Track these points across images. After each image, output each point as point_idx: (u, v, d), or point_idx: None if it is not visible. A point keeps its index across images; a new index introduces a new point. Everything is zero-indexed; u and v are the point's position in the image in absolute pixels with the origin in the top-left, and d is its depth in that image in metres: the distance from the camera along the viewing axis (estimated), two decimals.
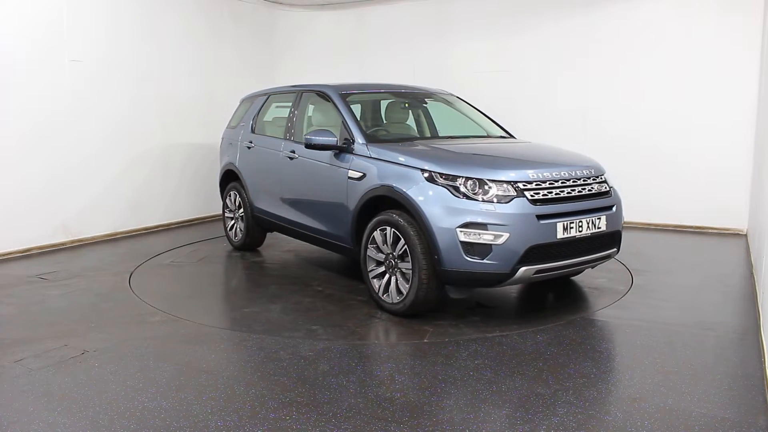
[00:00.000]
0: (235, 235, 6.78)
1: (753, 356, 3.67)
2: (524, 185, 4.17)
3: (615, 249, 4.68)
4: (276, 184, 6.01)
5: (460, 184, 4.17)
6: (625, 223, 7.72)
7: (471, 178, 4.17)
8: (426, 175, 4.29)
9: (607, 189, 4.63)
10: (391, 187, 4.45)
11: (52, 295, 5.04)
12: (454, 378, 3.40)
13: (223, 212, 6.98)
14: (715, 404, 3.08)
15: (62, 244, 6.81)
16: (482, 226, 4.04)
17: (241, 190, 6.54)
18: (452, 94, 6.21)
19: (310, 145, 5.04)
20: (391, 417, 2.96)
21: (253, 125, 6.54)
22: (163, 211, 8.04)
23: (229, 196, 6.80)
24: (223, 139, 7.08)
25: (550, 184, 4.26)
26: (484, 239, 4.04)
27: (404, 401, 3.13)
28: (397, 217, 4.36)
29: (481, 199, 4.10)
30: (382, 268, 4.55)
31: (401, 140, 5.18)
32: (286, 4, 9.69)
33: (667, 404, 3.07)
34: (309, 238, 5.65)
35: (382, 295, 4.54)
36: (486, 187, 4.14)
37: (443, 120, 6.04)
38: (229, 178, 6.81)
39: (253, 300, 5.08)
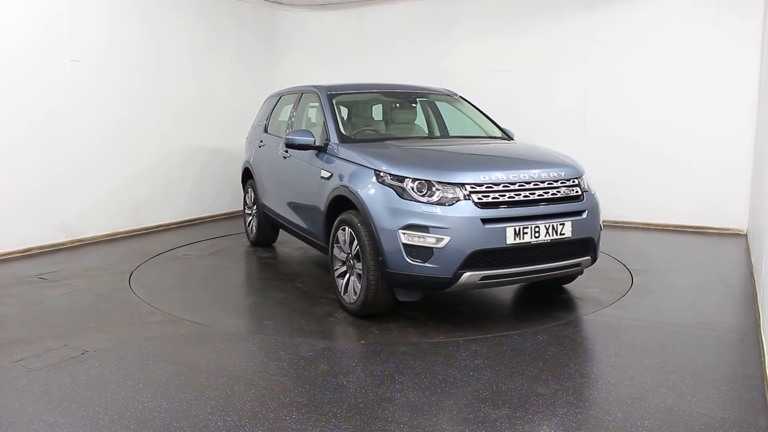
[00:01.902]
0: (251, 231, 6.97)
1: (753, 356, 3.67)
2: (472, 188, 4.04)
3: (588, 257, 4.43)
4: (276, 182, 6.15)
5: (407, 185, 4.11)
6: (625, 222, 7.87)
7: (418, 179, 4.11)
8: (377, 175, 4.27)
9: (578, 193, 4.39)
10: (347, 187, 4.47)
11: (52, 295, 5.04)
12: (454, 378, 3.40)
13: (244, 209, 7.22)
14: (715, 404, 3.08)
15: (62, 244, 6.80)
16: (424, 228, 3.97)
17: (255, 187, 6.74)
18: (454, 94, 6.13)
19: (289, 145, 5.13)
20: (391, 417, 2.96)
21: (266, 125, 6.71)
22: (163, 211, 8.03)
23: (247, 193, 7.04)
24: (246, 138, 7.30)
25: (504, 187, 4.10)
26: (425, 242, 3.97)
27: (404, 401, 3.13)
28: (353, 217, 4.36)
29: (426, 201, 4.02)
30: (344, 268, 4.56)
31: (380, 140, 5.13)
32: (286, 4, 9.69)
33: (667, 404, 3.07)
34: (298, 236, 5.77)
35: (343, 294, 4.55)
36: (433, 189, 4.05)
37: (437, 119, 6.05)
38: (247, 176, 7.04)
39: (230, 294, 5.18)
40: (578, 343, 3.95)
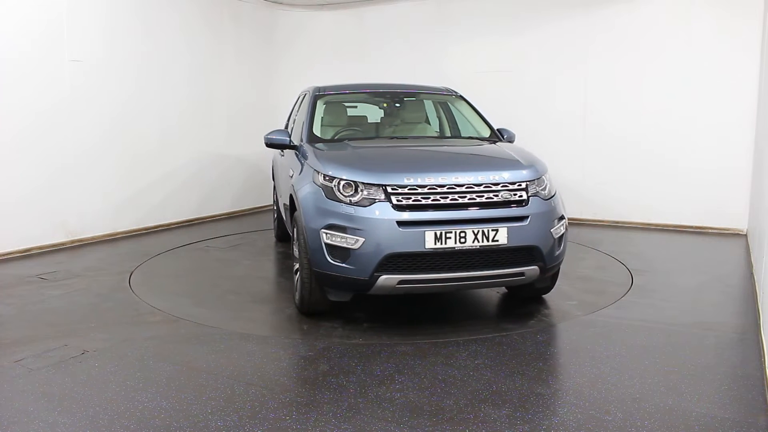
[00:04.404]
0: (275, 228, 7.22)
1: (753, 356, 3.67)
2: (393, 189, 3.96)
3: (534, 267, 4.12)
4: (278, 181, 6.36)
5: (334, 186, 4.12)
6: (625, 222, 7.87)
7: (345, 180, 4.10)
8: (315, 175, 4.31)
9: (521, 198, 4.11)
10: (293, 186, 4.58)
11: (52, 295, 5.04)
12: (454, 378, 3.40)
13: (273, 205, 7.49)
14: (715, 404, 3.08)
15: (62, 244, 6.80)
16: (342, 228, 3.97)
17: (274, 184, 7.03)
18: (454, 92, 6.01)
19: (267, 144, 5.21)
20: (391, 417, 2.96)
21: (287, 123, 6.83)
22: (164, 211, 8.03)
23: (274, 189, 7.28)
24: None
25: (430, 189, 3.97)
26: (343, 243, 3.96)
27: (404, 401, 3.13)
28: (297, 215, 4.44)
29: (348, 202, 4.01)
30: (298, 265, 4.62)
31: (357, 140, 5.14)
32: (286, 4, 9.69)
33: (667, 404, 3.07)
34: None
35: (295, 291, 4.63)
36: (358, 190, 4.03)
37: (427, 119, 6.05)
38: (273, 174, 7.29)
39: (210, 284, 5.39)
40: (578, 343, 3.95)
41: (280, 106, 9.45)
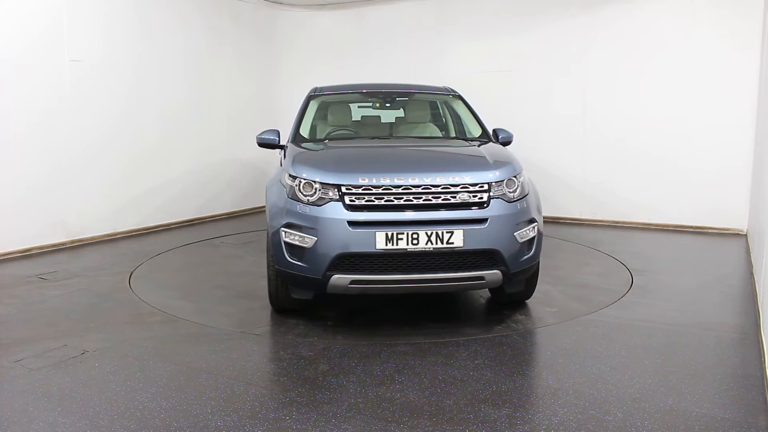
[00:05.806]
0: None
1: (753, 356, 3.67)
2: (347, 189, 3.95)
3: (496, 271, 3.99)
4: None
5: (296, 185, 4.15)
6: (625, 222, 7.87)
7: (305, 180, 4.12)
8: (283, 175, 4.37)
9: (482, 200, 4.00)
10: (266, 185, 4.70)
11: (52, 295, 5.04)
12: (454, 378, 3.40)
13: None
14: (715, 404, 3.08)
15: (62, 244, 6.80)
16: (298, 227, 4.02)
17: None
18: (452, 92, 5.97)
19: (259, 143, 5.25)
20: (391, 417, 2.96)
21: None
22: (164, 211, 8.03)
23: None
24: None
25: (384, 190, 3.93)
26: (299, 241, 4.01)
27: (404, 401, 3.13)
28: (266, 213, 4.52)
29: (306, 201, 4.03)
30: None
31: (340, 140, 5.15)
32: (286, 4, 9.69)
33: (667, 404, 3.07)
34: None
35: None
36: (315, 189, 4.05)
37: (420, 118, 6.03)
38: None
39: (205, 280, 5.49)
40: (578, 343, 3.95)
41: (280, 106, 9.46)
